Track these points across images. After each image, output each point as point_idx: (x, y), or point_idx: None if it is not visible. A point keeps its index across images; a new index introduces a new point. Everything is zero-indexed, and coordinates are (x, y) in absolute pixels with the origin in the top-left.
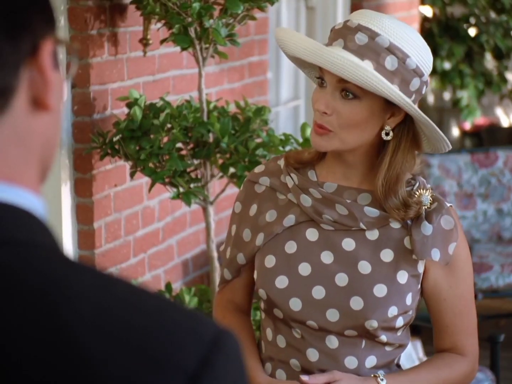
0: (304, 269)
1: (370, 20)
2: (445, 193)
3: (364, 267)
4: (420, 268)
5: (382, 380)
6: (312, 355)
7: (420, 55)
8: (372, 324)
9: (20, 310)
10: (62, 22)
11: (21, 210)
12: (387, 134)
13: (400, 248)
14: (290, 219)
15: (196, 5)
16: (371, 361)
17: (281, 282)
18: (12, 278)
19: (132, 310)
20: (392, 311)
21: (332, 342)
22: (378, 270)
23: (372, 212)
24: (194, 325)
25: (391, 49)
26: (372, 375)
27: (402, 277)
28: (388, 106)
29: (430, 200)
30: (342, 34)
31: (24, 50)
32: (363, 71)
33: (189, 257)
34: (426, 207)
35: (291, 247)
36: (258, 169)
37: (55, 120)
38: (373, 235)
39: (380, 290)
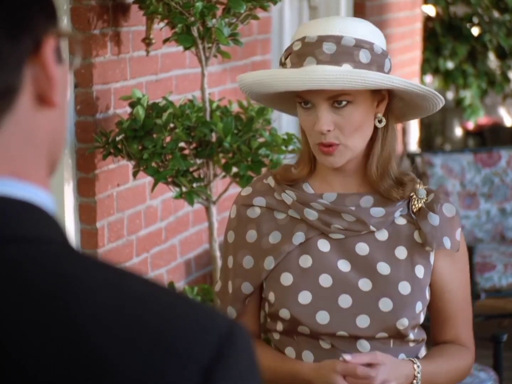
0: (325, 280)
1: (325, 28)
2: (448, 193)
3: (383, 268)
4: (432, 259)
5: (417, 365)
6: None
7: (379, 38)
8: (403, 323)
9: (28, 308)
10: (65, 21)
11: (31, 205)
12: (380, 121)
13: (412, 243)
14: (299, 236)
15: (199, 4)
16: (401, 359)
17: (305, 297)
18: (21, 275)
19: (145, 305)
20: (418, 307)
21: (364, 346)
22: (397, 269)
23: (379, 212)
24: (207, 319)
25: (359, 44)
26: (408, 359)
27: (420, 271)
28: (374, 96)
29: (425, 192)
30: (308, 52)
31: (26, 48)
32: (363, 74)
33: (191, 256)
34: (424, 200)
35: (306, 261)
36: (245, 192)
37: (61, 116)
38: (383, 235)
39: (404, 288)
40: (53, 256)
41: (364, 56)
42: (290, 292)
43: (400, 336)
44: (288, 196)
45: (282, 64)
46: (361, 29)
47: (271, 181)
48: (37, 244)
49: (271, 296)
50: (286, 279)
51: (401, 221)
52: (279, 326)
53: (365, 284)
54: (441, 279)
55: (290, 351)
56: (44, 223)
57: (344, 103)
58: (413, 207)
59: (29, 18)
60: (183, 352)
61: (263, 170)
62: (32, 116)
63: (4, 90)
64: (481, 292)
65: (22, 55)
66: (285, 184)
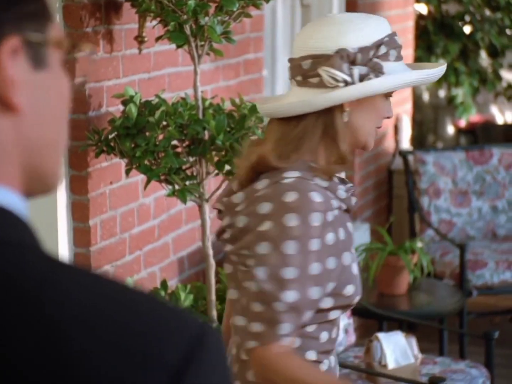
0: (350, 256)
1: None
2: (440, 190)
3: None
4: None
5: None
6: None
7: None
8: None
9: (3, 308)
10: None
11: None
12: None
13: None
14: (350, 226)
15: (192, 2)
16: None
17: (358, 278)
18: None
19: (116, 307)
20: None
21: None
22: None
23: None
24: (178, 322)
25: None
26: None
27: None
28: None
29: None
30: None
31: None
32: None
33: (184, 254)
34: None
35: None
36: (318, 198)
37: (38, 124)
38: None
39: None
40: (23, 259)
41: None
42: (358, 279)
43: None
44: (342, 191)
45: (382, 56)
46: None
47: (320, 181)
48: (6, 247)
49: (349, 289)
50: (355, 268)
51: None
52: (336, 313)
53: (353, 248)
54: None
55: (324, 335)
56: (14, 226)
57: None
58: None
59: None
60: (153, 354)
61: None
62: None
63: None
64: (472, 290)
65: None
66: (331, 180)
